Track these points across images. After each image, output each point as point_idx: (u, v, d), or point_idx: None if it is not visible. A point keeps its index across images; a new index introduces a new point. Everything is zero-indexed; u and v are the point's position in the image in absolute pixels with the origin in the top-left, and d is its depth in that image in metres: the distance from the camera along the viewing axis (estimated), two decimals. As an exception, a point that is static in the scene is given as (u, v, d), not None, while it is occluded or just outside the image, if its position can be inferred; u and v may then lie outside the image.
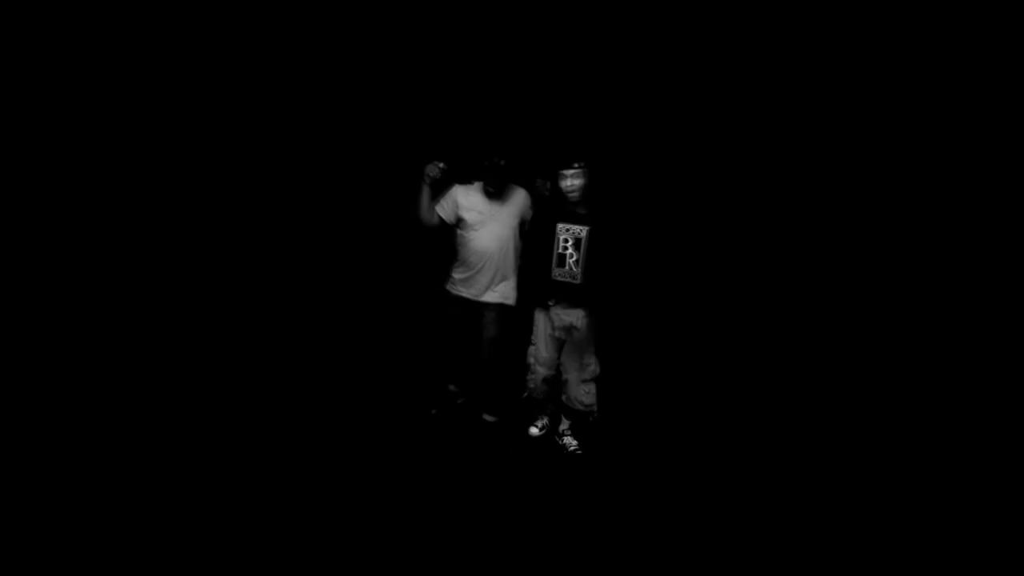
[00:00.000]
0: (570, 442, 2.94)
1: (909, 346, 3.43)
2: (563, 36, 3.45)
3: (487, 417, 3.18)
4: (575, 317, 2.74)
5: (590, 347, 2.81)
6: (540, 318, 2.85)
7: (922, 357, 3.40)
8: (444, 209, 2.86)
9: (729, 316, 3.76)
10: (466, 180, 2.92)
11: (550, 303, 2.77)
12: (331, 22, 3.56)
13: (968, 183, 3.25)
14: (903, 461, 2.88)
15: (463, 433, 3.04)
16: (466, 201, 2.83)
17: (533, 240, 2.80)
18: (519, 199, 2.88)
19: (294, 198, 3.85)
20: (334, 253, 3.92)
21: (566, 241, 2.71)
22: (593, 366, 2.83)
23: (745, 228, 3.64)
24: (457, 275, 2.93)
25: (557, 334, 2.80)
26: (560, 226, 2.71)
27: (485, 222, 2.82)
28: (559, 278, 2.73)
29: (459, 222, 2.87)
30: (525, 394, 3.05)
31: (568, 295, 2.74)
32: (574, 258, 2.70)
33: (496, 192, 2.81)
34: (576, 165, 2.60)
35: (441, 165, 2.78)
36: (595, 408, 2.88)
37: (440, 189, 2.89)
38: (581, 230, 2.69)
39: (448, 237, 2.97)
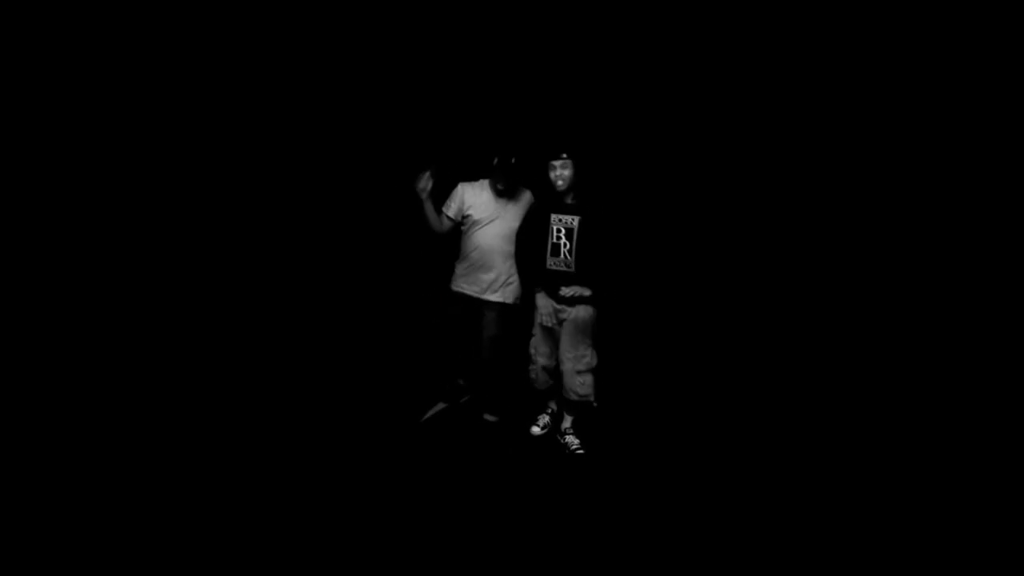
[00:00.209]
0: (572, 441, 2.91)
1: (903, 328, 3.38)
2: (552, 33, 3.58)
3: (488, 417, 3.17)
4: (569, 311, 2.80)
5: (586, 338, 2.82)
6: (540, 305, 2.88)
7: (917, 346, 3.34)
8: (451, 208, 2.88)
9: (722, 304, 3.77)
10: (472, 178, 2.96)
11: (537, 290, 2.82)
12: (329, 23, 3.65)
13: (961, 182, 3.27)
14: (901, 453, 2.84)
15: (464, 433, 3.03)
16: (474, 199, 2.86)
17: (529, 231, 2.86)
18: (526, 199, 2.94)
19: (297, 198, 3.89)
20: (337, 253, 3.98)
21: (559, 231, 2.78)
22: (588, 357, 2.83)
23: (735, 216, 3.69)
24: (460, 272, 2.97)
25: (546, 321, 2.83)
26: (553, 216, 2.80)
27: (492, 220, 2.85)
28: (553, 267, 2.79)
29: (465, 219, 2.89)
30: (529, 382, 3.04)
31: (562, 284, 2.79)
32: (568, 247, 2.76)
33: (505, 190, 2.85)
34: (563, 156, 2.68)
35: (427, 173, 2.81)
36: (592, 398, 2.86)
37: (439, 192, 2.93)
38: (573, 220, 2.76)
39: (454, 236, 3.00)
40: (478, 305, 2.95)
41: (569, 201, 2.78)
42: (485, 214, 2.85)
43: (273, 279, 3.95)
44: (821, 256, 3.56)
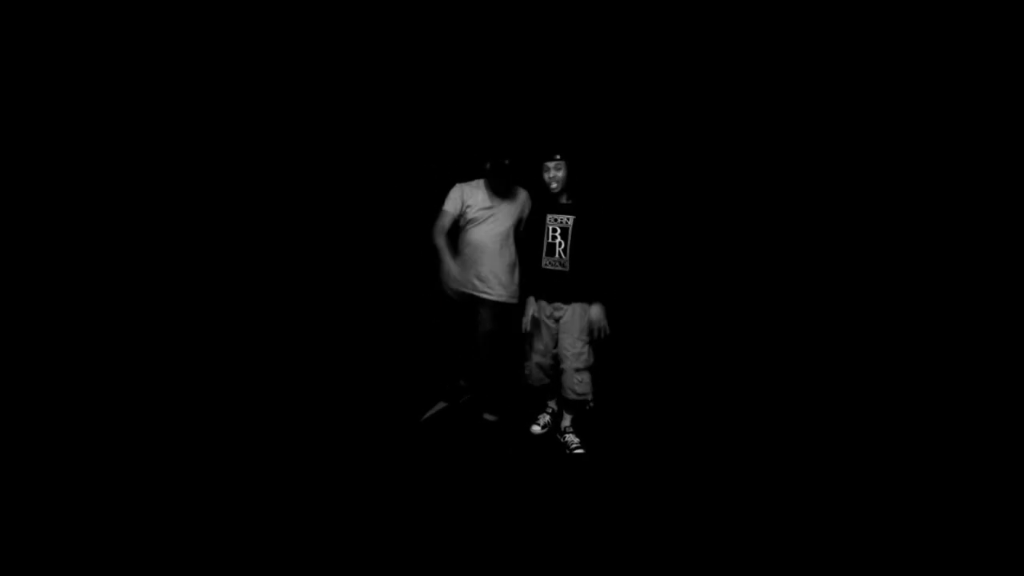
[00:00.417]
0: (572, 439, 2.91)
1: (900, 321, 3.34)
2: (543, 34, 3.61)
3: (487, 416, 3.19)
4: (564, 310, 2.84)
5: (583, 336, 2.84)
6: (532, 306, 2.93)
7: (916, 343, 3.29)
8: (453, 205, 2.89)
9: (718, 302, 3.75)
10: (468, 178, 3.01)
11: (530, 297, 2.88)
12: (327, 24, 3.68)
13: (961, 182, 3.22)
14: (899, 448, 2.81)
15: (464, 432, 3.05)
16: (471, 198, 2.91)
17: (526, 232, 2.94)
18: (520, 198, 2.99)
19: (296, 199, 3.93)
20: (336, 253, 4.01)
21: (554, 231, 2.82)
22: (586, 355, 2.85)
23: (728, 213, 3.67)
24: (455, 269, 3.00)
25: (548, 322, 2.87)
26: (549, 216, 2.84)
27: (487, 219, 2.91)
28: (548, 267, 2.83)
29: (462, 216, 2.94)
30: (524, 379, 3.06)
31: (558, 283, 2.82)
32: (562, 247, 2.80)
33: (500, 190, 2.91)
34: (556, 157, 2.73)
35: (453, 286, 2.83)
36: (590, 397, 2.88)
37: (436, 193, 2.97)
38: (568, 219, 2.80)
39: (451, 236, 3.00)
40: (473, 302, 2.99)
41: (564, 201, 2.82)
42: (481, 213, 2.90)
43: (272, 279, 3.98)
44: (815, 250, 3.54)
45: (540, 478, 2.61)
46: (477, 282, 2.94)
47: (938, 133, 3.24)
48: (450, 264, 2.76)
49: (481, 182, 2.96)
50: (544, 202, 2.87)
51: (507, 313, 3.02)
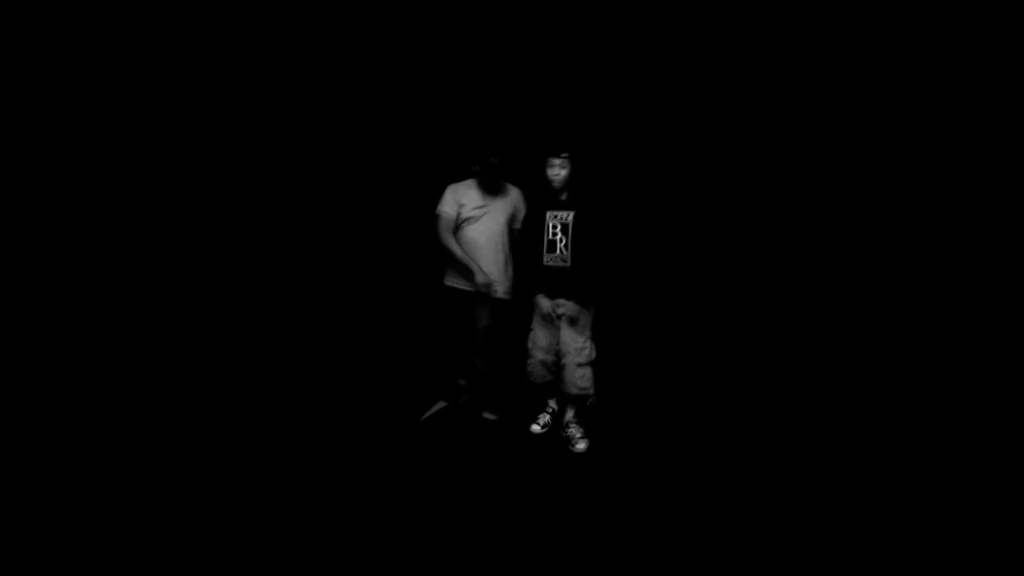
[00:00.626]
0: (575, 432, 2.91)
1: (897, 318, 3.39)
2: (540, 31, 3.66)
3: (487, 415, 3.18)
4: (566, 306, 2.85)
5: (585, 331, 2.86)
6: (538, 304, 2.93)
7: (914, 340, 3.34)
8: (449, 206, 2.95)
9: (718, 296, 3.78)
10: (459, 178, 3.05)
11: (538, 294, 2.89)
12: (324, 25, 3.71)
13: (961, 182, 3.27)
14: (897, 444, 2.85)
15: (464, 432, 3.04)
16: (464, 198, 2.95)
17: (526, 230, 2.95)
18: (513, 196, 3.02)
19: (294, 199, 3.93)
20: (335, 253, 4.00)
21: (555, 227, 2.84)
22: (588, 350, 2.87)
23: (728, 208, 3.72)
24: (453, 267, 3.03)
25: (550, 317, 2.88)
26: (549, 213, 2.86)
27: (480, 217, 2.94)
28: (550, 263, 2.85)
29: (458, 215, 2.98)
30: (526, 376, 3.06)
31: (559, 279, 2.84)
32: (564, 242, 2.82)
33: (491, 188, 2.95)
34: (564, 155, 2.77)
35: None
36: (591, 392, 2.89)
37: (431, 194, 3.01)
38: (568, 215, 2.82)
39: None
40: (471, 298, 3.01)
41: (563, 197, 2.84)
42: (475, 212, 2.94)
43: (271, 279, 3.97)
44: (813, 246, 3.59)
45: (540, 478, 2.60)
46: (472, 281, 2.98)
47: (938, 133, 3.30)
48: (479, 269, 2.88)
49: (472, 181, 3.00)
50: (543, 199, 2.89)
51: (503, 309, 3.04)
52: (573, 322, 2.85)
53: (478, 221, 2.94)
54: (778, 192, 3.63)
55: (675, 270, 3.79)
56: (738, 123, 3.63)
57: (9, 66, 3.23)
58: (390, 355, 3.90)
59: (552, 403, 3.13)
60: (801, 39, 3.43)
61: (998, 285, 3.21)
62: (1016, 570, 1.97)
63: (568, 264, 2.81)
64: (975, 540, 2.13)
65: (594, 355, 2.89)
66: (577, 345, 2.85)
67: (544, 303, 2.88)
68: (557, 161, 2.77)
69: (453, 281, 3.04)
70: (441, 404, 3.26)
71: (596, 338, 2.91)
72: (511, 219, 3.00)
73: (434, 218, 2.98)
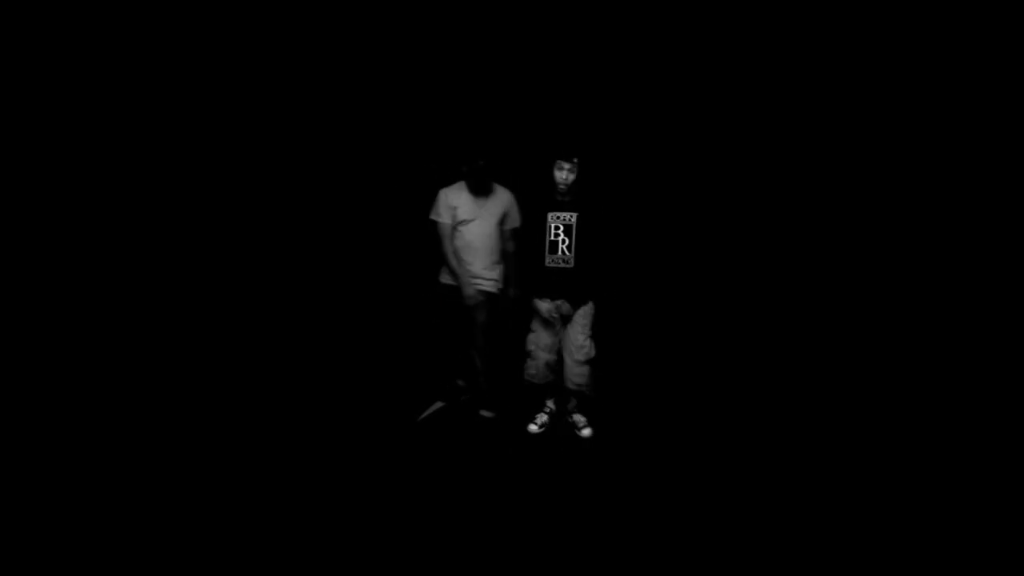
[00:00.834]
0: (579, 419, 3.04)
1: (894, 316, 3.49)
2: (546, 37, 3.68)
3: (484, 413, 3.20)
4: (567, 306, 2.90)
5: (586, 330, 2.92)
6: (538, 307, 2.95)
7: (910, 337, 3.46)
8: (443, 215, 3.00)
9: (719, 296, 3.84)
10: (448, 182, 3.09)
11: (537, 298, 2.92)
12: (322, 25, 3.69)
13: (961, 182, 3.34)
14: (895, 441, 2.91)
15: (461, 430, 3.05)
16: (455, 201, 3.01)
17: (527, 230, 2.97)
18: (502, 196, 3.07)
19: (291, 199, 3.90)
20: (332, 253, 3.96)
21: (557, 228, 2.87)
22: (587, 348, 2.92)
23: (728, 209, 3.78)
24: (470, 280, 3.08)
25: (552, 317, 2.92)
26: (551, 215, 2.88)
27: (474, 218, 2.99)
28: (552, 264, 2.88)
29: (452, 220, 3.03)
30: (526, 380, 3.08)
31: (562, 280, 2.87)
32: (566, 243, 2.86)
33: (480, 189, 2.99)
34: (574, 159, 2.81)
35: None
36: (587, 388, 2.96)
37: (424, 196, 3.06)
38: (571, 216, 2.86)
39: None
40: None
41: (565, 199, 2.87)
42: (467, 214, 2.99)
43: (268, 280, 3.93)
44: (812, 246, 3.66)
45: (540, 476, 2.62)
46: (471, 277, 3.03)
47: (938, 133, 3.38)
48: (467, 281, 2.98)
49: (462, 184, 3.04)
50: (543, 199, 2.91)
51: (497, 305, 3.11)
52: (574, 322, 2.90)
53: (471, 223, 2.99)
54: (777, 193, 3.69)
55: (676, 271, 3.84)
56: (738, 123, 3.68)
57: (9, 66, 3.24)
58: (387, 354, 3.87)
59: (550, 403, 3.16)
60: (800, 44, 3.49)
61: (998, 285, 3.29)
62: (1016, 570, 1.99)
63: (571, 265, 2.85)
64: (975, 540, 2.14)
65: (593, 353, 2.95)
66: (578, 343, 2.91)
67: (545, 304, 2.91)
68: (567, 165, 2.80)
69: (449, 278, 3.08)
70: (439, 404, 3.26)
71: (597, 337, 2.96)
72: (502, 220, 3.05)
73: (430, 224, 3.04)
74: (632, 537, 2.16)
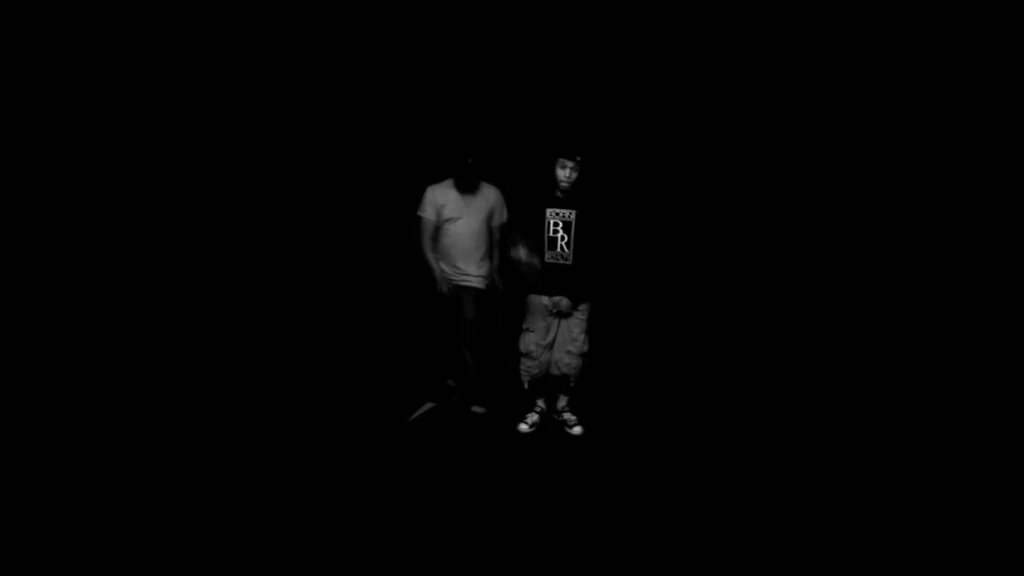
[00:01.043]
0: (570, 418, 3.05)
1: (890, 313, 3.58)
2: (543, 35, 3.70)
3: (476, 409, 3.19)
4: (565, 302, 2.92)
5: (582, 325, 2.96)
6: (535, 302, 2.94)
7: (906, 335, 3.54)
8: (429, 212, 3.03)
9: (716, 295, 3.90)
10: (436, 180, 3.10)
11: (533, 294, 2.93)
12: (320, 24, 3.68)
13: (961, 182, 3.42)
14: (893, 439, 2.95)
15: (453, 429, 3.03)
16: (442, 198, 3.03)
17: (526, 228, 2.94)
18: (489, 194, 3.10)
19: (279, 201, 3.87)
20: (320, 255, 3.91)
21: (556, 225, 2.88)
22: (581, 342, 2.97)
23: (725, 206, 3.84)
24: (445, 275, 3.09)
25: (549, 313, 2.92)
26: (549, 211, 2.89)
27: (460, 215, 3.02)
28: (551, 260, 2.90)
29: (437, 216, 3.07)
30: (525, 386, 3.07)
31: (560, 276, 2.88)
32: (565, 240, 2.87)
33: (467, 187, 3.02)
34: (577, 158, 2.83)
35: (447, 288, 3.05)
36: (573, 378, 3.00)
37: (413, 193, 3.08)
38: (569, 213, 2.88)
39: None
40: (456, 292, 3.08)
41: (563, 195, 2.89)
42: (454, 212, 3.01)
43: (256, 282, 3.88)
44: (809, 246, 3.74)
45: (529, 476, 2.60)
46: (460, 273, 3.07)
47: (938, 133, 3.46)
48: (439, 274, 3.04)
49: (450, 182, 3.06)
50: (541, 196, 2.92)
51: (487, 301, 3.12)
52: (571, 317, 2.92)
53: (458, 221, 3.02)
54: (775, 193, 3.76)
55: (670, 268, 3.87)
56: (736, 122, 3.75)
57: (9, 66, 3.29)
58: (376, 354, 3.80)
59: (540, 402, 3.13)
60: (799, 44, 3.58)
61: (998, 285, 3.35)
62: (1016, 570, 1.98)
63: (569, 263, 2.87)
64: (975, 540, 2.13)
65: (586, 348, 2.99)
66: (572, 336, 2.95)
67: (543, 300, 2.91)
68: (570, 164, 2.81)
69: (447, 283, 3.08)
70: (429, 405, 3.21)
71: (593, 333, 2.99)
72: (489, 217, 3.08)
73: (415, 220, 3.05)
74: (624, 534, 2.14)
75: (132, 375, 3.34)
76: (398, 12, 3.66)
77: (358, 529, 2.10)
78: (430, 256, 3.04)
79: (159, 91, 3.62)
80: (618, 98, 3.78)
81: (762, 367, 3.74)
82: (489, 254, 3.11)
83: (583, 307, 2.94)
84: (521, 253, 2.88)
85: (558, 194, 2.88)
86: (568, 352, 2.95)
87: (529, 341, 2.97)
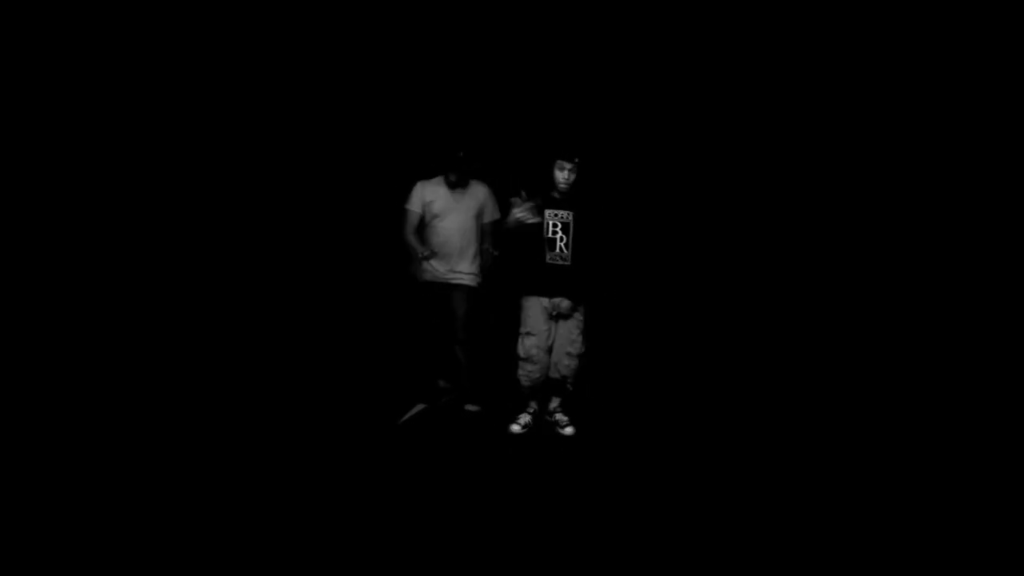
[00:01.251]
0: (562, 418, 3.04)
1: (887, 312, 3.63)
2: (541, 34, 3.69)
3: (469, 407, 3.19)
4: (565, 303, 2.92)
5: (580, 325, 2.96)
6: (534, 304, 2.92)
7: (903, 334, 3.59)
8: (415, 204, 3.06)
9: (714, 296, 3.93)
10: (427, 175, 3.13)
11: (531, 295, 2.93)
12: (320, 24, 3.69)
13: (961, 182, 3.42)
14: (891, 437, 2.98)
15: (444, 431, 3.01)
16: (431, 194, 3.05)
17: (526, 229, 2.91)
18: (479, 191, 3.11)
19: (271, 201, 3.84)
20: (312, 256, 3.88)
21: (555, 226, 2.88)
22: (579, 343, 2.98)
23: (722, 207, 3.88)
24: (424, 262, 3.09)
25: (548, 314, 2.92)
26: (548, 212, 2.89)
27: (449, 211, 3.04)
28: (550, 261, 2.90)
29: (425, 212, 3.09)
30: (525, 391, 3.04)
31: (559, 277, 2.89)
32: (564, 240, 2.88)
33: (457, 183, 3.03)
34: (576, 160, 2.83)
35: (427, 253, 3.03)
36: (571, 380, 3.00)
37: (402, 189, 3.12)
38: (568, 214, 2.89)
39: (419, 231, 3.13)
40: (447, 290, 3.09)
41: (561, 196, 2.89)
42: (443, 208, 3.03)
43: (249, 282, 3.84)
44: (807, 247, 3.78)
45: (521, 476, 2.57)
46: (449, 270, 3.08)
47: (938, 133, 3.45)
48: (416, 256, 3.05)
49: (440, 178, 3.07)
50: (540, 198, 2.90)
51: (477, 299, 3.14)
52: (570, 318, 2.93)
53: (447, 217, 3.04)
54: (772, 193, 3.80)
55: (667, 270, 3.88)
56: (735, 122, 3.78)
57: (9, 66, 3.31)
58: (367, 355, 3.76)
59: (534, 403, 3.12)
60: (798, 45, 3.61)
61: (997, 285, 3.34)
62: (1016, 570, 1.95)
63: (569, 263, 2.87)
64: (975, 540, 2.10)
65: (583, 348, 3.00)
66: (571, 337, 2.95)
67: (542, 302, 2.90)
68: (569, 166, 2.81)
69: (427, 276, 3.11)
70: (420, 406, 3.18)
71: (590, 334, 3.00)
72: (479, 214, 3.10)
73: (401, 213, 3.09)
74: (614, 534, 2.10)
75: (123, 374, 3.35)
76: (397, 14, 3.65)
77: (348, 530, 2.04)
78: (411, 239, 3.05)
79: (150, 83, 3.61)
80: (616, 100, 3.80)
81: (757, 368, 3.76)
82: (480, 252, 3.12)
83: (582, 308, 2.95)
84: (518, 207, 2.81)
85: (556, 195, 2.88)
86: (568, 354, 2.94)
87: (530, 345, 2.92)
